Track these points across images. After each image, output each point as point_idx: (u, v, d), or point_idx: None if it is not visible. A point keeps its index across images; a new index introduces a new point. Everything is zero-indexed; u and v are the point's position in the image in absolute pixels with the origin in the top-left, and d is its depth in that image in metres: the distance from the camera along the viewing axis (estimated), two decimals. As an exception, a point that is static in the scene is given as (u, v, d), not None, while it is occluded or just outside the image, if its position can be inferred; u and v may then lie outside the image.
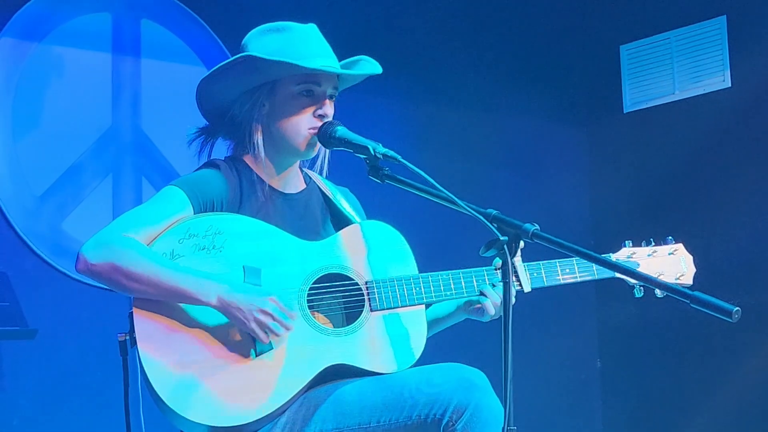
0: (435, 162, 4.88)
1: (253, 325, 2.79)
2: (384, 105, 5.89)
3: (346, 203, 3.24)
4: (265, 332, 2.81)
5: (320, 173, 3.22)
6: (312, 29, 3.09)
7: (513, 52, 6.57)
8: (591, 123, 6.83)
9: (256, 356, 2.84)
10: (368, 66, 3.12)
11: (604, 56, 6.74)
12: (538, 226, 2.57)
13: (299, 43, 3.01)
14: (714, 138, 6.20)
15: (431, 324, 3.18)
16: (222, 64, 3.01)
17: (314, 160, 3.18)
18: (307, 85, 3.02)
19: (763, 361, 5.90)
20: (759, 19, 6.07)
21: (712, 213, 6.10)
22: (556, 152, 6.71)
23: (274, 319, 2.80)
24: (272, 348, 2.85)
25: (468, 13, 6.41)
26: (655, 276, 3.21)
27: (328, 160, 3.20)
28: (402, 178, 2.84)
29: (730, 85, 6.16)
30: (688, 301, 2.34)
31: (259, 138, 3.04)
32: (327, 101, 3.04)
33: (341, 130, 2.96)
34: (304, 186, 3.21)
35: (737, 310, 2.24)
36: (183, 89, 5.32)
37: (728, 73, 6.16)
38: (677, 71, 6.40)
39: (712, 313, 2.27)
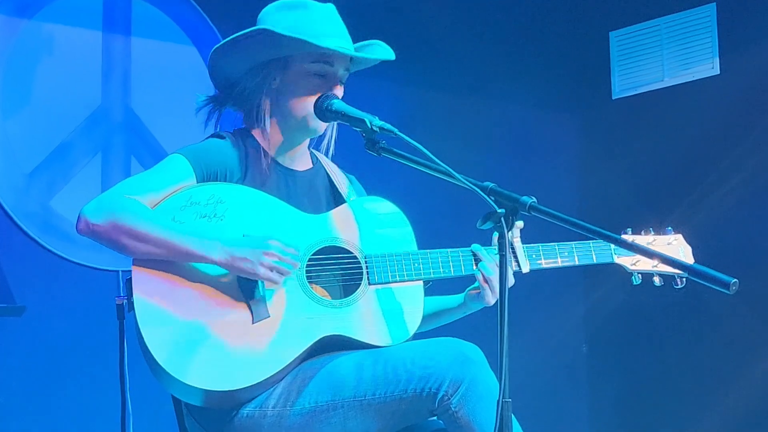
0: (425, 147, 4.87)
1: (262, 270, 2.80)
2: (374, 88, 5.88)
3: (347, 188, 3.25)
4: (276, 274, 2.82)
5: (326, 153, 3.23)
6: (330, 9, 3.09)
7: (503, 38, 6.57)
8: (580, 109, 6.84)
9: (253, 323, 2.84)
10: (381, 51, 3.13)
11: (593, 42, 6.75)
12: (535, 199, 2.57)
13: (316, 22, 3.01)
14: (702, 125, 6.23)
15: (440, 315, 3.21)
16: (237, 35, 3.00)
17: (320, 139, 3.19)
18: (320, 65, 3.02)
19: (749, 347, 5.93)
20: (748, 7, 6.09)
21: (701, 199, 6.12)
22: (545, 138, 6.72)
23: (280, 258, 2.81)
24: (269, 315, 2.86)
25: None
26: (652, 266, 3.22)
27: (335, 141, 3.21)
28: (399, 152, 2.84)
29: (718, 72, 6.18)
30: (686, 273, 2.35)
31: (267, 111, 3.05)
32: (338, 84, 3.05)
33: (338, 103, 2.97)
34: (311, 165, 3.22)
35: (735, 281, 2.24)
36: (173, 68, 5.34)
37: (717, 60, 6.18)
38: (666, 58, 6.42)
39: (710, 285, 2.28)
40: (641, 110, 6.54)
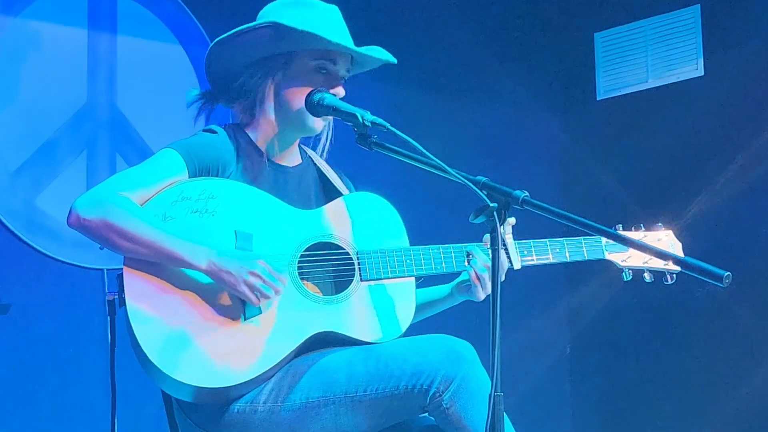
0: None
1: (243, 288, 2.78)
2: (357, 87, 5.88)
3: (340, 182, 3.25)
4: (256, 294, 2.80)
5: (321, 154, 3.23)
6: (334, 10, 3.10)
7: (488, 38, 6.58)
8: (564, 110, 6.86)
9: (245, 320, 2.84)
10: (384, 53, 3.13)
11: (578, 43, 6.77)
12: (527, 193, 2.58)
13: (323, 20, 3.02)
14: (687, 126, 6.26)
15: (426, 306, 3.20)
16: (244, 27, 2.99)
17: (316, 142, 3.19)
18: (323, 62, 3.03)
19: (735, 348, 5.95)
20: (732, 9, 6.12)
21: (685, 200, 6.13)
22: (529, 138, 6.74)
23: (263, 281, 2.80)
24: (261, 312, 2.85)
25: (443, -1, 6.44)
26: (642, 262, 3.23)
27: (330, 143, 3.21)
28: (391, 146, 2.83)
29: (702, 73, 6.21)
30: (680, 267, 2.36)
31: (266, 106, 3.03)
32: (340, 84, 3.05)
33: (329, 98, 2.97)
34: (300, 161, 3.21)
35: (728, 274, 2.26)
36: (158, 67, 5.33)
37: (701, 61, 6.21)
38: (651, 59, 6.44)
39: (704, 279, 2.29)
40: (626, 111, 6.56)
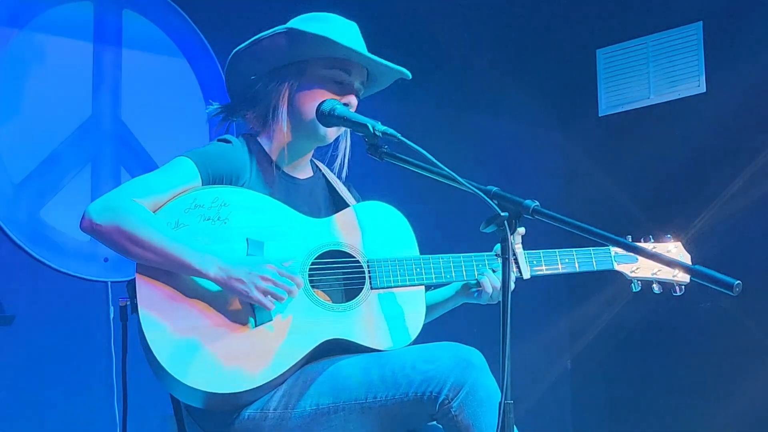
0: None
1: (256, 294, 2.80)
2: (365, 102, 5.89)
3: (348, 194, 3.27)
4: (269, 299, 2.82)
5: (339, 172, 3.25)
6: (353, 26, 3.13)
7: (490, 55, 6.60)
8: (566, 126, 6.88)
9: (256, 326, 2.85)
10: (399, 68, 3.14)
11: (580, 59, 6.80)
12: (538, 203, 2.59)
13: (339, 31, 3.04)
14: (688, 142, 6.27)
15: (429, 309, 3.20)
16: (262, 34, 3.03)
17: (333, 158, 3.21)
18: (336, 72, 3.06)
19: (736, 363, 5.95)
20: (734, 26, 6.15)
21: (685, 216, 6.15)
22: (531, 154, 6.75)
23: (275, 283, 2.81)
24: (271, 319, 2.86)
25: (445, 15, 6.44)
26: (651, 273, 3.24)
27: (348, 159, 3.22)
28: (401, 156, 2.86)
29: (704, 90, 6.23)
30: (691, 276, 2.37)
31: (280, 114, 3.05)
32: (353, 93, 3.07)
33: (340, 108, 2.99)
34: (311, 174, 3.24)
35: (738, 283, 2.27)
36: (163, 80, 5.34)
37: (703, 78, 6.23)
38: (653, 76, 6.46)
39: (715, 287, 2.30)
40: (627, 127, 6.58)
